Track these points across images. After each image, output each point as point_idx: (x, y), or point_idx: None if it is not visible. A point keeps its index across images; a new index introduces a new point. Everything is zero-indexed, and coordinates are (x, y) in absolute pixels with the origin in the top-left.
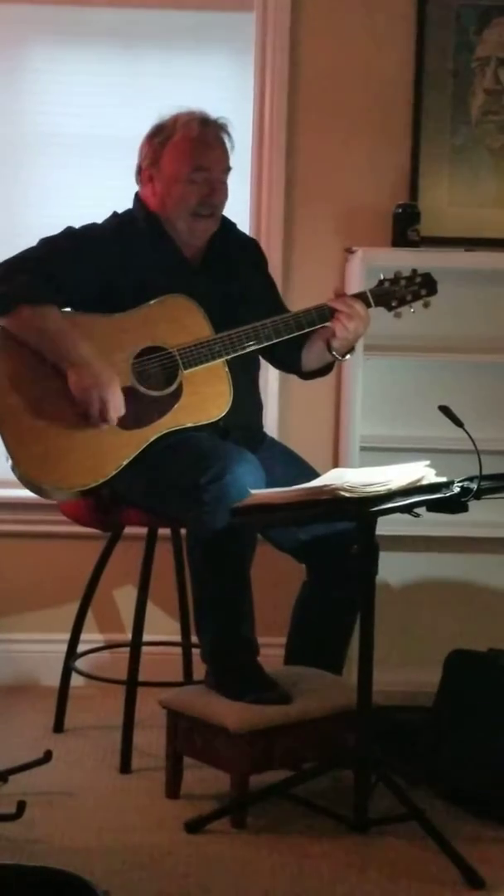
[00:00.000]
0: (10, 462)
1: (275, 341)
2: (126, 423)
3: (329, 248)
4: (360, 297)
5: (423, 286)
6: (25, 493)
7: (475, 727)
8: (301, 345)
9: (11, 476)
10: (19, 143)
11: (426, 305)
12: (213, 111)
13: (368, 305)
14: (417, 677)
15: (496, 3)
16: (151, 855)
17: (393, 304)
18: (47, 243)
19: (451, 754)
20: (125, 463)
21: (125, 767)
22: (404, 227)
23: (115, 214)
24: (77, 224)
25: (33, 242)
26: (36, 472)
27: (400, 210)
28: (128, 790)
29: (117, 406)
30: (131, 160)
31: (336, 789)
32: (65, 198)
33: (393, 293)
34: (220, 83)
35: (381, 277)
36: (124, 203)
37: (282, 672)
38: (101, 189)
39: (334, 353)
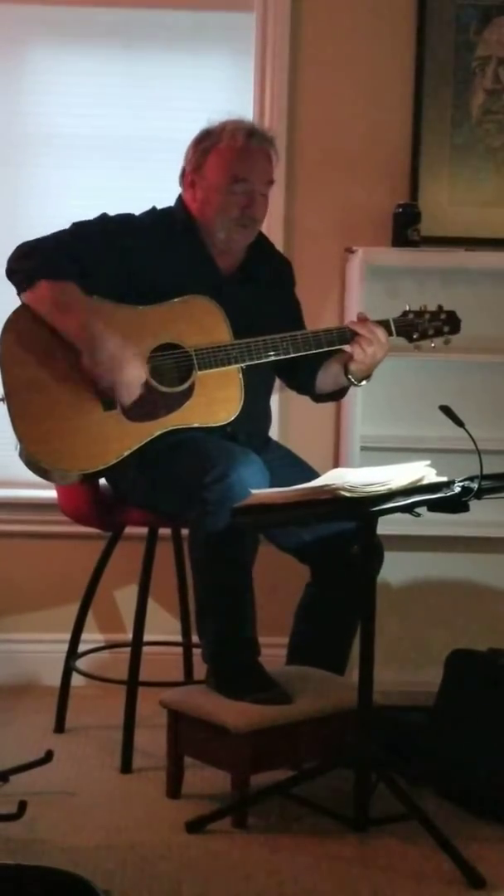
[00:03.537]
0: (15, 441)
1: (292, 356)
2: (133, 415)
3: (329, 247)
4: (383, 324)
5: (446, 323)
6: (26, 494)
7: (475, 727)
8: (317, 367)
9: (11, 476)
10: (19, 143)
11: (447, 342)
12: (213, 111)
13: (390, 334)
14: (417, 677)
15: (496, 3)
16: (152, 855)
17: (414, 336)
18: (79, 227)
19: (451, 754)
20: (127, 454)
21: (126, 767)
22: (404, 227)
23: (153, 210)
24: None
25: None
26: (36, 448)
27: (400, 210)
28: (128, 790)
29: (132, 386)
30: (131, 160)
31: (336, 789)
32: (65, 198)
33: (416, 325)
34: (220, 83)
35: (407, 308)
36: (124, 203)
37: (283, 672)
38: (101, 189)
39: (350, 376)
